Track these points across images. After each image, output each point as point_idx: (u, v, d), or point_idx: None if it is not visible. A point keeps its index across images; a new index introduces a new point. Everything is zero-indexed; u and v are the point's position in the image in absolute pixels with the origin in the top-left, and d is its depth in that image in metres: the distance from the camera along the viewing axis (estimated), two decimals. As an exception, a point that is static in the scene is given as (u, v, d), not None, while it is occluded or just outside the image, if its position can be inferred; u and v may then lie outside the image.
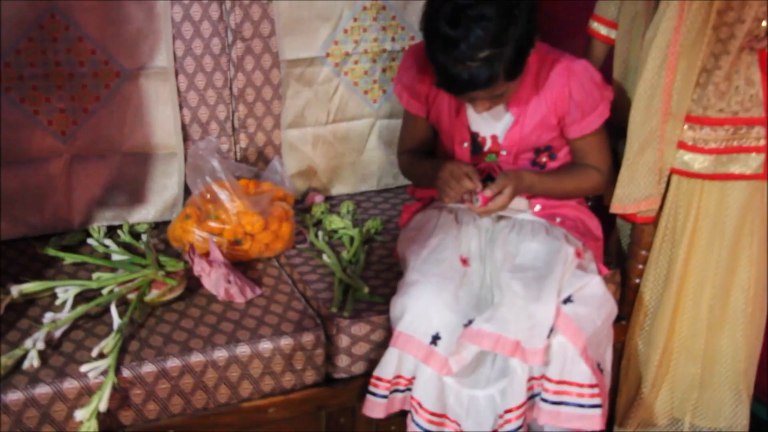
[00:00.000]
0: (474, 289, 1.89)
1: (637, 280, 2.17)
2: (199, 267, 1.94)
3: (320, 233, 2.25)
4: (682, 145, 2.00)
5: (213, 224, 2.07)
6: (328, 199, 2.48)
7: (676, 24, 1.88)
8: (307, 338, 1.87)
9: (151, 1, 2.14)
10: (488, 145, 2.04)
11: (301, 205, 2.42)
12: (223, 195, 2.08)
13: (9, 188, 2.11)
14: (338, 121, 2.45)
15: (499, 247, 1.94)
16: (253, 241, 2.11)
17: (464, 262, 1.92)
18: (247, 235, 2.09)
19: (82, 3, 2.07)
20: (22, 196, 2.14)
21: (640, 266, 2.16)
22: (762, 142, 1.96)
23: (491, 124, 2.01)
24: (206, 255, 2.00)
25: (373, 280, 2.08)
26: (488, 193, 1.88)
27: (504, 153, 2.03)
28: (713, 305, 2.10)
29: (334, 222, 2.30)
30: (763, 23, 1.88)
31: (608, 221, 2.20)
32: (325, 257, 2.14)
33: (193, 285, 1.98)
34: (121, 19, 2.13)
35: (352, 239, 2.23)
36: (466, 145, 2.05)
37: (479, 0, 1.72)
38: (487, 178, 2.05)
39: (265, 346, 1.83)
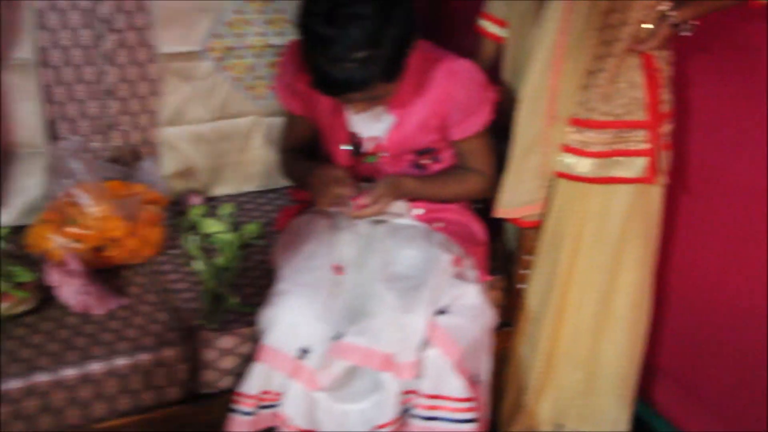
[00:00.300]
0: (348, 299, 1.78)
1: (521, 286, 2.09)
2: (53, 276, 1.78)
3: (195, 238, 2.11)
4: (566, 149, 1.92)
5: (73, 230, 1.91)
6: (209, 200, 2.34)
7: (561, 25, 1.80)
8: (169, 353, 1.73)
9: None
10: (369, 146, 1.93)
11: (179, 208, 2.27)
12: (84, 199, 1.93)
13: None
14: (220, 119, 2.31)
15: (375, 255, 1.83)
16: (118, 248, 1.95)
17: (338, 270, 1.80)
18: (111, 241, 1.94)
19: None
20: None
21: (524, 271, 2.08)
22: (645, 146, 1.89)
23: (371, 125, 1.90)
24: (64, 263, 1.85)
25: (248, 288, 1.95)
26: (362, 201, 1.78)
27: (385, 155, 1.92)
28: (597, 311, 2.03)
29: (211, 225, 2.16)
30: (646, 26, 1.81)
31: (497, 224, 2.11)
32: (196, 264, 2.00)
33: (50, 296, 1.82)
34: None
35: (229, 244, 2.09)
36: (346, 146, 1.94)
37: None
38: (367, 180, 1.94)
39: (122, 362, 1.69)
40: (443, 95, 1.83)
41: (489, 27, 2.10)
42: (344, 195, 1.79)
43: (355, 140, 1.93)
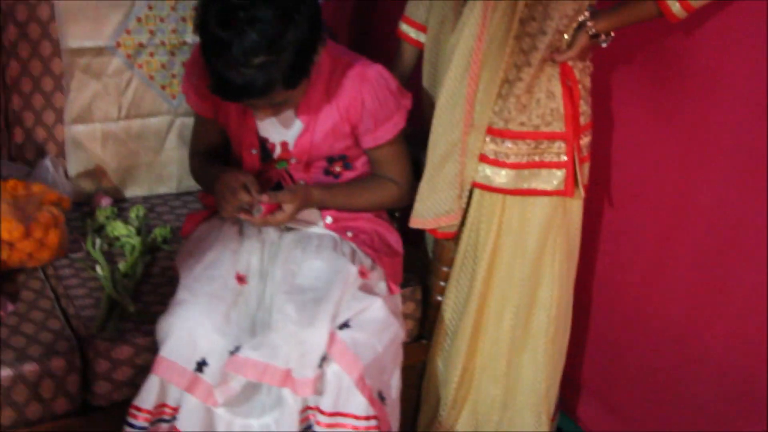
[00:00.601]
0: (250, 310, 1.73)
1: (439, 298, 2.06)
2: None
3: (99, 241, 2.03)
4: (483, 159, 1.89)
5: (-37, 231, 1.82)
6: (119, 202, 2.26)
7: (478, 31, 1.77)
8: (58, 363, 1.66)
9: None
10: (278, 152, 1.87)
11: (87, 209, 2.19)
12: (-24, 199, 1.84)
13: None
14: (131, 118, 2.23)
15: (280, 264, 1.78)
16: (11, 251, 1.87)
17: (240, 279, 1.75)
18: (5, 243, 1.86)
19: None
20: None
21: (442, 283, 2.04)
22: (563, 158, 1.87)
23: (280, 131, 1.85)
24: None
25: (150, 295, 1.89)
26: (265, 199, 1.73)
27: (294, 161, 1.87)
28: (515, 325, 2.01)
29: (117, 228, 2.09)
30: (565, 36, 1.79)
31: (418, 234, 2.07)
32: (98, 269, 1.93)
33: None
34: None
35: (133, 249, 2.02)
36: (254, 151, 1.88)
37: (254, 2, 1.55)
38: (277, 187, 1.89)
39: (5, 373, 1.61)
40: (354, 101, 1.78)
41: (409, 31, 2.07)
42: (248, 202, 1.73)
43: (264, 145, 1.87)
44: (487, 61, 1.79)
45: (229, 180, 1.75)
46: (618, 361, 2.17)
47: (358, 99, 1.79)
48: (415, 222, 1.92)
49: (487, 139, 1.87)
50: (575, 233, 1.98)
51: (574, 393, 2.29)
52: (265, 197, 1.74)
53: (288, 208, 1.76)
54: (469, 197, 1.94)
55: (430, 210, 1.90)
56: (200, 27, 1.61)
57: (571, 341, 2.09)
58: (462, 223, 1.97)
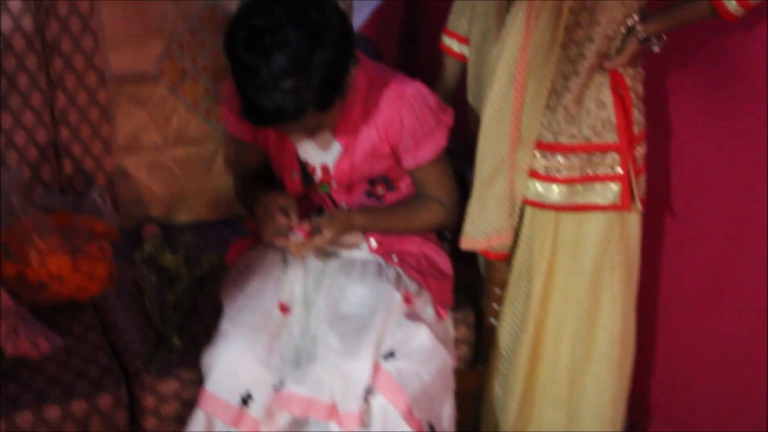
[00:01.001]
0: (294, 341, 1.73)
1: (493, 321, 2.02)
2: (-16, 318, 1.75)
3: (147, 271, 2.06)
4: (534, 174, 1.85)
5: (11, 266, 1.88)
6: (167, 230, 2.29)
7: (522, 41, 1.74)
8: (105, 400, 1.70)
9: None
10: (319, 175, 1.87)
11: (135, 237, 2.23)
12: (27, 233, 1.89)
13: None
14: (178, 145, 2.27)
15: (323, 292, 1.78)
16: (61, 284, 1.92)
17: (284, 309, 1.75)
18: (54, 277, 1.90)
19: None
20: None
21: (495, 306, 2.01)
22: (618, 170, 1.82)
23: (320, 153, 1.84)
24: None
25: (197, 326, 1.91)
26: (303, 225, 1.72)
27: (335, 185, 1.87)
28: (575, 347, 1.96)
29: (166, 258, 2.12)
30: (614, 42, 1.74)
31: (469, 254, 2.04)
32: (146, 301, 1.95)
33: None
34: None
35: (181, 278, 2.05)
36: (295, 174, 1.88)
37: (280, 23, 1.54)
38: (320, 212, 1.89)
39: (52, 411, 1.65)
40: (392, 120, 1.76)
41: (451, 44, 2.05)
42: (287, 226, 1.73)
43: (305, 168, 1.87)
44: (532, 71, 1.76)
45: (267, 203, 1.75)
46: (688, 381, 2.10)
47: (396, 118, 1.77)
48: (465, 243, 1.90)
49: (537, 153, 1.83)
50: (634, 249, 1.92)
51: (643, 415, 2.22)
52: (302, 222, 1.73)
53: (327, 233, 1.75)
54: (521, 215, 1.91)
55: (480, 230, 1.87)
56: (228, 52, 1.61)
57: (637, 361, 2.03)
58: (514, 243, 1.93)
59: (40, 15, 2.04)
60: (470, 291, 2.07)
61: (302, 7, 1.58)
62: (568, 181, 1.84)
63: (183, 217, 2.35)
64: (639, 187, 1.85)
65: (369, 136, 1.79)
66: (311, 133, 1.71)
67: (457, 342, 1.96)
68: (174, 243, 2.22)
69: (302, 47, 1.54)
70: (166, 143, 2.25)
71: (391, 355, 1.66)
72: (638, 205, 1.86)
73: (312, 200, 1.92)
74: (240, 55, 1.56)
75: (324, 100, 1.61)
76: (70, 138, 2.16)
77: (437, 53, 2.13)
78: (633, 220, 1.89)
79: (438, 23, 2.11)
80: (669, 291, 2.09)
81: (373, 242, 1.89)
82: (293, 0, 1.59)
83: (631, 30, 1.72)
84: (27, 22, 2.04)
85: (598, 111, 1.78)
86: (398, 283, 1.78)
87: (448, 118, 1.81)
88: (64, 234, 1.95)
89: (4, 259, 1.89)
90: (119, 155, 2.22)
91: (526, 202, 1.89)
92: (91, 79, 2.13)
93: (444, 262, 1.94)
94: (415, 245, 1.92)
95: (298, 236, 1.74)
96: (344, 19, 1.64)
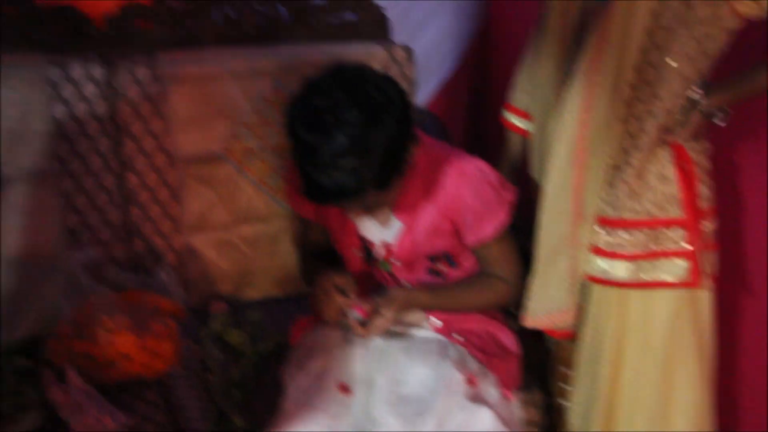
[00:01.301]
0: (356, 422, 1.74)
1: (562, 402, 1.99)
2: (55, 395, 1.82)
3: (213, 349, 2.12)
4: (598, 251, 1.85)
5: (79, 344, 1.95)
6: (234, 307, 2.35)
7: (582, 116, 1.76)
8: (167, 480, 1.74)
9: (28, 100, 2.08)
10: (380, 252, 1.91)
11: (202, 314, 2.29)
12: (96, 312, 1.97)
13: None
14: (245, 223, 2.34)
15: (385, 372, 1.79)
16: (128, 362, 1.98)
17: (345, 389, 1.77)
18: (121, 355, 1.97)
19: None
20: None
21: (564, 386, 1.98)
22: (685, 246, 1.79)
23: (380, 230, 1.88)
24: (68, 380, 1.89)
25: (260, 405, 1.93)
26: (363, 306, 1.75)
27: (397, 262, 1.90)
28: (650, 430, 1.91)
29: (232, 335, 2.17)
30: (676, 116, 1.74)
31: (536, 332, 2.03)
32: (211, 379, 2.00)
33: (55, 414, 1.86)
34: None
35: (247, 356, 2.09)
36: (357, 251, 1.93)
37: (340, 103, 1.60)
38: (381, 289, 1.92)
39: (112, 491, 1.70)
40: (453, 198, 1.80)
41: (513, 119, 2.08)
42: (346, 306, 1.76)
43: (366, 245, 1.91)
44: (592, 147, 1.77)
45: (324, 282, 1.79)
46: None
47: (457, 195, 1.80)
48: (528, 320, 1.90)
49: (599, 229, 1.83)
50: (707, 328, 1.88)
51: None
52: (362, 301, 1.76)
53: (387, 314, 1.77)
54: (587, 292, 1.89)
55: (542, 307, 1.87)
56: (289, 131, 1.68)
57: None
58: (580, 320, 1.92)
59: (112, 100, 2.16)
60: (539, 369, 2.05)
61: (362, 87, 1.63)
62: (634, 258, 1.82)
63: (250, 293, 2.41)
64: (709, 263, 1.82)
65: (429, 214, 1.82)
66: (370, 210, 1.75)
67: (527, 424, 1.94)
68: (240, 320, 2.28)
69: (362, 127, 1.59)
70: (233, 221, 2.33)
71: (452, 439, 1.66)
72: (709, 282, 1.82)
73: (374, 278, 1.95)
74: (300, 134, 1.62)
75: (383, 179, 1.65)
76: (141, 217, 2.26)
77: (503, 128, 2.16)
78: (704, 298, 1.86)
79: (505, 97, 2.15)
80: (749, 370, 2.02)
81: (436, 321, 1.90)
82: (353, 80, 1.65)
83: (693, 103, 1.72)
84: (100, 107, 2.16)
85: (661, 186, 1.78)
86: (461, 364, 1.79)
87: (510, 195, 1.83)
88: (132, 312, 2.03)
89: (73, 337, 1.98)
90: (188, 233, 2.30)
91: (591, 279, 1.88)
92: (160, 161, 2.23)
93: (510, 340, 1.93)
94: (479, 323, 1.92)
95: (356, 315, 1.76)
96: (404, 98, 1.69)
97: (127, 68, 2.14)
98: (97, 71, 2.11)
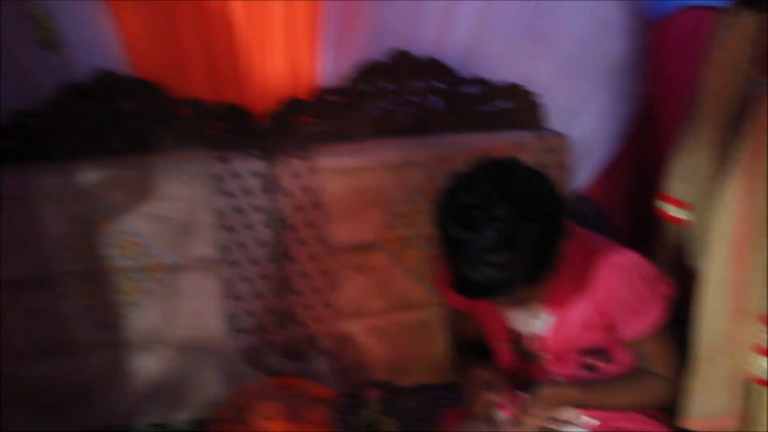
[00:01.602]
0: None
1: None
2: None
3: (367, 438, 2.18)
4: (761, 350, 1.76)
5: (238, 428, 2.07)
6: (388, 394, 2.41)
7: (739, 210, 1.71)
8: None
9: (195, 194, 2.25)
10: (530, 345, 1.91)
11: (355, 401, 2.36)
12: (248, 397, 2.09)
13: (53, 381, 2.24)
14: (399, 311, 2.42)
15: (533, 471, 1.78)
16: (281, 451, 2.08)
17: (490, 488, 1.77)
18: (275, 442, 2.07)
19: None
20: (67, 390, 2.26)
21: (733, 494, 1.89)
22: None
23: (531, 323, 1.89)
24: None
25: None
26: (512, 407, 1.75)
27: (547, 356, 1.89)
28: None
29: (386, 424, 2.23)
30: None
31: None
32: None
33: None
34: (164, 212, 2.24)
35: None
36: (506, 344, 1.94)
37: (489, 199, 1.64)
38: (532, 384, 1.91)
39: None
40: (605, 292, 1.78)
41: (669, 209, 2.04)
42: (494, 404, 1.77)
43: (515, 338, 1.92)
44: (752, 241, 1.71)
45: (471, 377, 1.80)
46: None
47: (609, 289, 1.78)
48: (686, 422, 1.83)
49: (763, 327, 1.75)
50: None
51: None
52: (511, 400, 1.76)
53: (537, 412, 1.76)
54: (752, 395, 1.81)
55: (702, 410, 1.81)
56: (437, 225, 1.72)
57: None
58: (746, 423, 1.83)
59: (272, 192, 2.31)
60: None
61: (511, 183, 1.66)
62: (801, 358, 1.73)
63: (404, 380, 2.46)
64: None
65: (581, 307, 1.81)
66: (520, 304, 1.77)
67: None
68: (393, 407, 2.33)
69: (512, 222, 1.61)
70: (388, 308, 2.41)
71: None
72: None
73: (525, 371, 1.95)
74: (449, 230, 1.66)
75: (533, 274, 1.67)
76: (298, 304, 2.37)
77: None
78: None
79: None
80: None
81: (591, 420, 1.87)
82: (502, 175, 1.68)
83: None
84: (261, 199, 2.31)
85: (828, 280, 1.69)
86: (618, 468, 1.75)
87: (666, 289, 1.79)
88: (287, 399, 2.13)
89: (233, 421, 2.09)
90: (343, 320, 2.39)
91: (756, 381, 1.79)
92: (318, 249, 2.35)
93: (667, 440, 1.87)
94: (636, 423, 1.87)
95: (503, 415, 1.77)
96: (555, 192, 1.70)
97: (286, 162, 2.28)
98: (259, 165, 2.27)
